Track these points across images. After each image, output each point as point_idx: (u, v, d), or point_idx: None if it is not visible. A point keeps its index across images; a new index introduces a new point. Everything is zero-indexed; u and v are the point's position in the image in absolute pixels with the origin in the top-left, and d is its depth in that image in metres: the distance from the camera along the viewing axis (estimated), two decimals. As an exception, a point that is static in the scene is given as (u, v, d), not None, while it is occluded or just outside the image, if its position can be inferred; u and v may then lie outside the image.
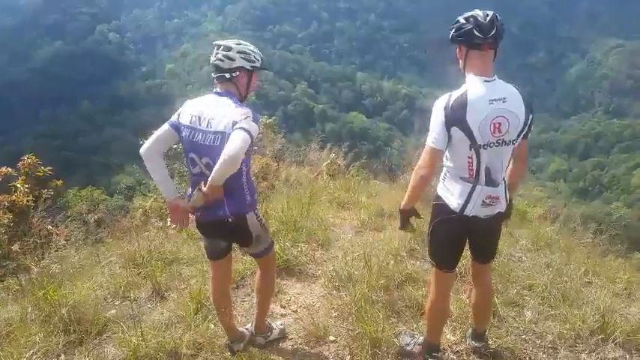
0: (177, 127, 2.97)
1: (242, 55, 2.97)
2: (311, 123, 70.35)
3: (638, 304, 4.32)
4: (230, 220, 2.95)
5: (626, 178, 69.27)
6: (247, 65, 2.99)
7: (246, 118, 2.76)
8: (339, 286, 4.21)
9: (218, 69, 2.99)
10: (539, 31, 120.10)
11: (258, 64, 3.04)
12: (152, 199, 8.53)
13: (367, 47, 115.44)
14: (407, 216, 3.02)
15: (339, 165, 8.93)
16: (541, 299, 4.15)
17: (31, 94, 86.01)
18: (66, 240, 5.33)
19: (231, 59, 2.95)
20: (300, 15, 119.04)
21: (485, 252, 3.15)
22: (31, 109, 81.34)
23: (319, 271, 4.58)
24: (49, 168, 5.60)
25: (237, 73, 2.98)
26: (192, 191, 3.00)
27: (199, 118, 2.91)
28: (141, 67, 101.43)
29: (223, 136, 2.78)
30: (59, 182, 5.77)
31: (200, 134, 2.89)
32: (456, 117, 2.69)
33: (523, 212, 7.42)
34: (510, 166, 3.01)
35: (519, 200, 8.15)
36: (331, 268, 4.50)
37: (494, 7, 2.83)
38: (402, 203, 3.01)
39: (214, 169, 2.70)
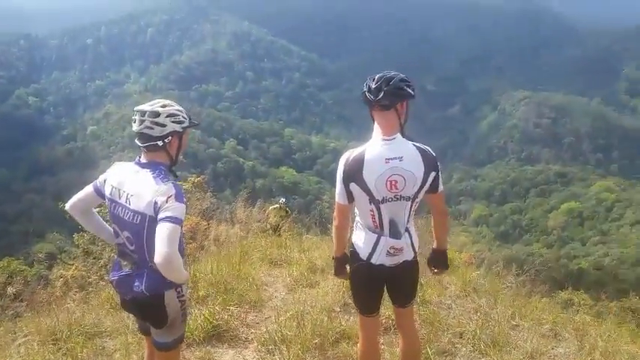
0: (100, 192, 2.87)
1: (172, 119, 2.75)
2: (241, 179, 70.12)
3: (564, 344, 4.47)
4: (145, 295, 2.70)
5: (543, 221, 73.62)
6: (178, 128, 2.78)
7: (168, 199, 2.56)
8: (272, 349, 4.11)
9: (147, 137, 2.74)
10: (454, 87, 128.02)
11: (187, 123, 2.84)
12: (74, 268, 8.10)
13: (293, 104, 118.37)
14: (340, 264, 3.20)
15: (269, 222, 8.89)
16: (472, 346, 4.23)
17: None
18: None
19: (162, 125, 2.72)
20: (226, 74, 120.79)
21: (399, 296, 3.24)
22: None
23: (252, 335, 4.45)
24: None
25: (170, 138, 2.77)
26: (119, 259, 2.87)
27: (119, 190, 2.76)
28: (61, 130, 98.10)
29: (144, 217, 2.63)
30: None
31: (120, 208, 2.75)
32: (354, 174, 2.88)
33: (450, 259, 7.60)
34: (432, 223, 3.21)
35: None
36: (264, 330, 4.40)
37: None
38: (334, 253, 3.21)
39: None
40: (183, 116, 2.81)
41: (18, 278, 8.79)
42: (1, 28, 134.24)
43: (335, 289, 5.21)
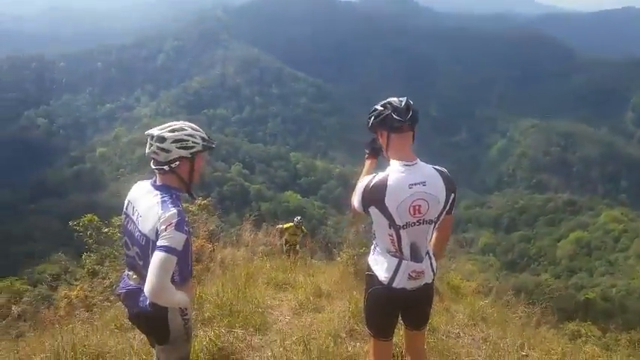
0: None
1: (178, 145, 2.70)
2: (247, 203, 70.17)
3: (572, 375, 4.41)
4: (149, 310, 2.69)
5: (552, 250, 72.81)
6: (185, 154, 2.72)
7: (168, 227, 2.54)
8: (277, 373, 4.06)
9: (154, 161, 2.74)
10: (459, 113, 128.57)
11: (199, 147, 2.77)
12: (78, 288, 8.09)
13: (300, 128, 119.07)
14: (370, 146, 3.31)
15: (275, 245, 8.88)
16: (481, 375, 4.17)
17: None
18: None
19: (167, 151, 2.69)
20: (234, 99, 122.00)
21: (415, 319, 3.24)
22: (-55, 199, 76.35)
23: (257, 358, 4.41)
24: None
25: (177, 163, 2.73)
26: (127, 272, 2.91)
27: (133, 208, 2.81)
28: (69, 152, 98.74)
29: (148, 241, 2.65)
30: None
31: (132, 225, 2.81)
32: (375, 198, 2.90)
33: (457, 287, 7.58)
34: (433, 238, 3.18)
35: (453, 274, 8.36)
36: (269, 353, 4.35)
37: (411, 91, 3.11)
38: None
39: None
40: (193, 141, 2.75)
41: (22, 298, 8.81)
42: (13, 50, 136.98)
43: (341, 314, 5.17)
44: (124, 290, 2.86)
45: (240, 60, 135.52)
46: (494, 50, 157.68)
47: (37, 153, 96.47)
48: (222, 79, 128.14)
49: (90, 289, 7.56)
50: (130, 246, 2.85)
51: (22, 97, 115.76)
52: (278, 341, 4.63)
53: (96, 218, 10.38)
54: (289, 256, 10.74)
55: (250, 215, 9.98)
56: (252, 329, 4.93)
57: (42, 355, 4.34)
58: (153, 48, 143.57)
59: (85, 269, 10.13)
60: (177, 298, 2.61)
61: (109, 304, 6.67)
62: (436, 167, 3.00)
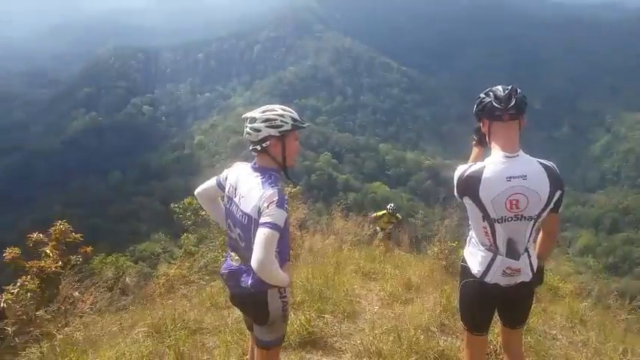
0: (221, 186, 3.07)
1: (267, 124, 2.82)
2: (334, 192, 70.66)
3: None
4: (250, 291, 2.84)
5: (659, 254, 67.10)
6: (274, 132, 2.82)
7: (270, 204, 2.64)
8: (367, 361, 4.06)
9: (249, 142, 2.89)
10: (562, 106, 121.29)
11: (288, 127, 2.85)
12: (176, 267, 8.52)
13: (390, 120, 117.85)
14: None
15: (364, 235, 8.85)
16: (581, 380, 3.93)
17: (62, 164, 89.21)
18: (90, 307, 5.31)
19: (257, 130, 2.82)
20: (325, 89, 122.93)
21: (510, 317, 3.13)
22: (61, 179, 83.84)
23: (346, 345, 4.43)
24: (80, 235, 5.66)
25: (267, 142, 2.83)
26: (230, 253, 3.03)
27: (235, 190, 2.92)
28: (171, 138, 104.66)
29: (250, 219, 2.76)
30: (88, 249, 5.82)
31: (234, 206, 2.92)
32: (469, 189, 2.82)
33: (555, 288, 7.20)
34: (539, 238, 3.05)
35: (551, 275, 7.93)
36: (358, 341, 4.35)
37: (512, 83, 2.93)
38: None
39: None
40: (282, 120, 2.85)
41: (125, 274, 9.42)
42: (124, 41, 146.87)
43: (431, 308, 5.06)
44: (227, 271, 3.00)
45: (333, 50, 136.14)
46: (607, 40, 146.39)
47: (142, 138, 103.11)
48: (314, 69, 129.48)
49: (187, 267, 7.91)
50: (233, 228, 2.96)
51: (130, 86, 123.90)
52: (367, 330, 4.63)
53: (195, 201, 10.93)
54: (385, 243, 10.68)
55: (340, 204, 10.02)
56: (341, 316, 4.97)
57: (144, 327, 4.62)
58: (250, 39, 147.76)
59: (183, 249, 10.71)
60: (281, 275, 2.72)
61: (204, 282, 6.97)
62: (542, 161, 2.83)
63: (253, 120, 2.85)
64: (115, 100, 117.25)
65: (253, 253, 2.61)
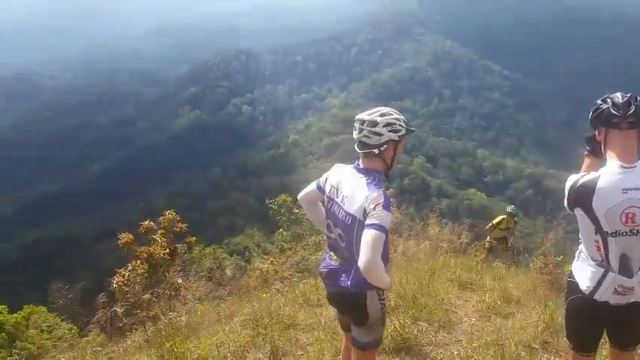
0: (321, 189, 3.10)
1: (389, 128, 2.82)
2: (426, 197, 69.33)
3: None
4: (350, 291, 2.84)
5: None
6: (395, 137, 2.84)
7: (376, 206, 2.64)
8: (465, 374, 3.91)
9: (364, 145, 2.85)
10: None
11: (403, 132, 2.88)
12: (269, 262, 8.73)
13: (489, 124, 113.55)
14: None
15: (461, 243, 8.56)
16: None
17: (167, 159, 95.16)
18: (192, 294, 5.57)
19: (379, 134, 2.80)
20: (423, 92, 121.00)
21: (620, 338, 2.91)
22: (165, 173, 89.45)
23: (442, 355, 4.30)
24: (185, 225, 5.96)
25: (385, 146, 2.84)
26: (329, 253, 3.04)
27: (337, 190, 2.94)
28: (267, 137, 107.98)
29: (354, 220, 2.77)
30: (193, 239, 6.12)
31: (336, 206, 2.93)
32: (581, 200, 2.66)
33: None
34: None
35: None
36: (455, 352, 4.21)
37: (619, 89, 2.72)
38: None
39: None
40: (400, 125, 2.86)
41: (225, 264, 9.78)
42: (227, 44, 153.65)
43: (534, 324, 4.79)
44: (326, 269, 3.02)
45: (432, 52, 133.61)
46: None
47: (240, 137, 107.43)
48: (412, 72, 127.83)
49: (280, 263, 8.08)
50: (333, 228, 2.98)
51: (232, 86, 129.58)
52: (464, 342, 4.47)
53: (289, 199, 11.17)
54: (503, 251, 10.07)
55: (435, 210, 9.76)
56: (436, 325, 4.83)
57: (242, 318, 4.77)
58: (347, 41, 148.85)
59: (275, 245, 10.98)
60: (385, 278, 2.72)
61: (296, 279, 7.07)
62: None
63: (374, 123, 2.82)
64: (218, 99, 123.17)
65: (360, 254, 2.61)
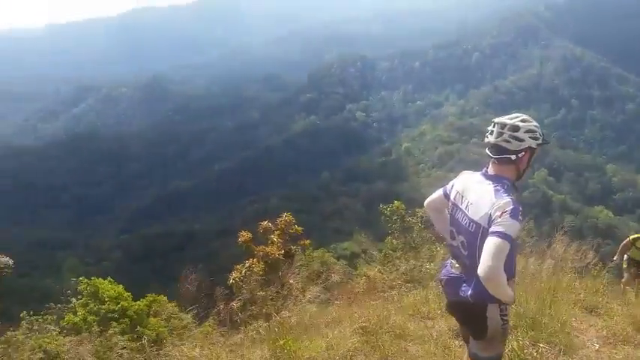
0: (447, 196, 3.06)
1: (530, 135, 2.76)
2: (547, 212, 65.18)
3: None
4: (469, 301, 2.75)
5: None
6: (534, 144, 2.77)
7: (503, 214, 2.54)
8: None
9: (501, 150, 2.77)
10: None
11: (540, 140, 2.82)
12: (377, 270, 8.68)
13: (622, 137, 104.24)
14: None
15: (588, 264, 7.93)
16: None
17: (282, 162, 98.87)
18: (303, 295, 5.71)
19: (520, 140, 2.74)
20: (548, 101, 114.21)
21: None
22: (280, 175, 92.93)
23: (563, 381, 4.03)
24: (301, 228, 6.14)
25: (523, 153, 2.77)
26: (451, 261, 3.00)
27: (462, 197, 2.89)
28: (379, 144, 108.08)
29: (478, 227, 2.69)
30: (307, 242, 6.28)
31: (460, 213, 2.88)
32: None
33: None
34: None
35: None
36: (579, 379, 3.92)
37: None
38: None
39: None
40: (539, 133, 2.81)
41: (329, 269, 9.89)
42: (346, 50, 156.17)
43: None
44: (446, 277, 2.97)
45: (560, 59, 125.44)
46: None
47: (352, 142, 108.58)
48: (537, 79, 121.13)
49: (388, 271, 8.01)
50: (456, 235, 2.92)
51: (347, 92, 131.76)
52: (588, 369, 4.15)
53: (402, 206, 11.05)
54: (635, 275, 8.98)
55: (561, 227, 9.10)
56: (557, 349, 4.53)
57: (351, 323, 4.80)
58: (468, 46, 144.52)
59: (383, 252, 10.91)
60: (507, 289, 2.60)
61: (405, 289, 6.97)
62: None
63: (516, 128, 2.75)
64: (332, 105, 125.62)
65: (481, 261, 2.53)
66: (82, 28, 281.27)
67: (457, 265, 2.90)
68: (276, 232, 5.87)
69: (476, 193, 2.78)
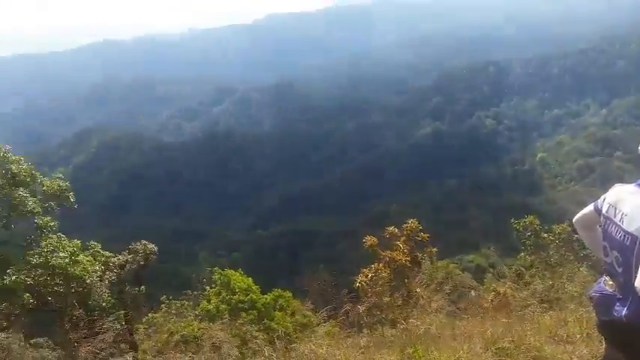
0: (598, 210, 2.83)
1: None
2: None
3: None
4: (624, 322, 2.46)
5: None
6: None
7: None
8: None
9: None
10: None
11: None
12: (507, 286, 8.26)
13: None
14: None
15: None
16: None
17: (405, 167, 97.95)
18: (430, 304, 5.55)
19: None
20: None
21: None
22: (402, 179, 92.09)
23: None
24: (427, 235, 5.99)
25: None
26: (604, 277, 2.75)
27: (615, 209, 2.65)
28: (511, 153, 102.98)
29: (634, 240, 2.44)
30: (434, 249, 6.11)
31: (613, 226, 2.63)
32: None
33: None
34: None
35: None
36: None
37: None
38: None
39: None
40: None
41: (454, 280, 9.56)
42: (477, 55, 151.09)
43: None
44: (597, 294, 2.73)
45: None
46: None
47: (480, 150, 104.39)
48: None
49: (520, 289, 7.59)
50: (609, 251, 2.68)
51: (476, 98, 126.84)
52: None
53: (537, 221, 10.38)
54: None
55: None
56: None
57: (484, 340, 4.56)
58: (613, 52, 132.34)
59: (514, 269, 10.32)
60: None
61: (540, 309, 6.54)
62: None
63: None
64: (460, 110, 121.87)
65: (637, 276, 2.29)
66: (219, 33, 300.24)
67: (611, 283, 2.65)
68: (402, 238, 5.75)
69: (630, 203, 2.55)
